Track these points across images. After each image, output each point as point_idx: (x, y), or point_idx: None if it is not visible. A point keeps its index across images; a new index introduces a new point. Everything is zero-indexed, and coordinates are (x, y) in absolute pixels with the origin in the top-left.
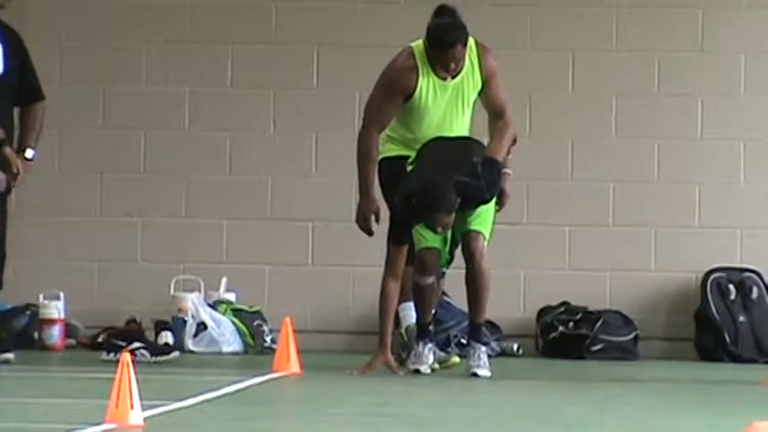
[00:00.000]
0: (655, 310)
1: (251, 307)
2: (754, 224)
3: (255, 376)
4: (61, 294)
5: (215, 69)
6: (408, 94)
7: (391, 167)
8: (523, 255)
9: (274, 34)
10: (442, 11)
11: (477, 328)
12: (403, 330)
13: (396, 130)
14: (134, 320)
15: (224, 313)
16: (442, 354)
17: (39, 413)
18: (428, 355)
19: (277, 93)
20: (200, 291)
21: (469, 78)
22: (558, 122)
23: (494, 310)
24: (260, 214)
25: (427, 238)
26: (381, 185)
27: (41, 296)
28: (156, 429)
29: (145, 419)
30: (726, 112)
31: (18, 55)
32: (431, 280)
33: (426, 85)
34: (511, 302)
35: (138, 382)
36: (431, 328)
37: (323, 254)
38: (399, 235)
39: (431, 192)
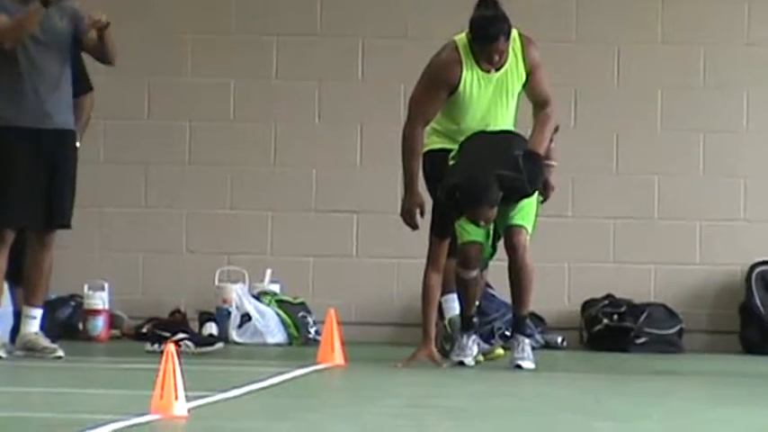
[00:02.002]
0: (699, 303)
1: (295, 298)
2: None
3: (300, 368)
4: (105, 285)
5: (260, 61)
6: (453, 88)
7: (435, 160)
8: (568, 247)
9: (319, 26)
10: (484, 3)
11: (521, 321)
12: (446, 322)
13: (440, 122)
14: (178, 311)
15: (268, 304)
16: (486, 345)
17: (83, 404)
18: (472, 347)
19: (322, 84)
20: (244, 282)
21: (513, 70)
22: (604, 115)
23: (538, 302)
24: (304, 206)
25: (470, 232)
26: (425, 178)
27: (86, 287)
28: (200, 420)
29: (189, 410)
30: None
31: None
32: (474, 273)
33: (470, 77)
34: (555, 295)
35: (182, 373)
36: (474, 320)
37: (367, 245)
38: (442, 228)
39: (473, 186)
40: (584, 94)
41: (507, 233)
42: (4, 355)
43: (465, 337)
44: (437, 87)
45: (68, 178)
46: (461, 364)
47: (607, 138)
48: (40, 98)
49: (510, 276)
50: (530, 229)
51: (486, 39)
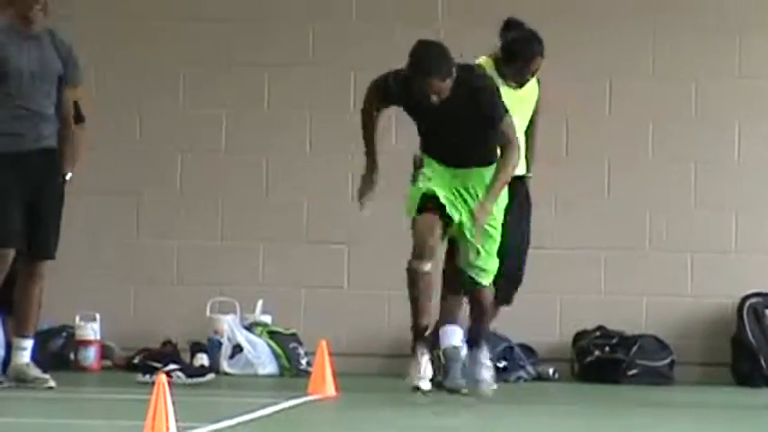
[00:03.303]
0: (691, 334)
1: (287, 329)
2: None
3: (291, 399)
4: (97, 315)
5: (252, 91)
6: None
7: None
8: (559, 279)
9: (311, 56)
10: (515, 25)
11: (478, 334)
12: (441, 352)
13: None
14: (170, 342)
15: (260, 335)
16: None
17: None
18: (426, 368)
19: (313, 114)
20: (235, 313)
21: (534, 91)
22: (595, 145)
23: (530, 334)
24: (296, 237)
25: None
26: None
27: (77, 317)
28: None
29: None
30: (763, 136)
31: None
32: (427, 267)
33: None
34: (547, 327)
35: (173, 403)
36: (428, 333)
37: (358, 277)
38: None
39: (425, 54)
40: (575, 123)
41: (470, 290)
42: (6, 384)
43: (418, 353)
44: None
45: (54, 204)
46: (417, 389)
47: (598, 168)
48: (24, 125)
49: (471, 312)
50: (490, 279)
51: (526, 57)
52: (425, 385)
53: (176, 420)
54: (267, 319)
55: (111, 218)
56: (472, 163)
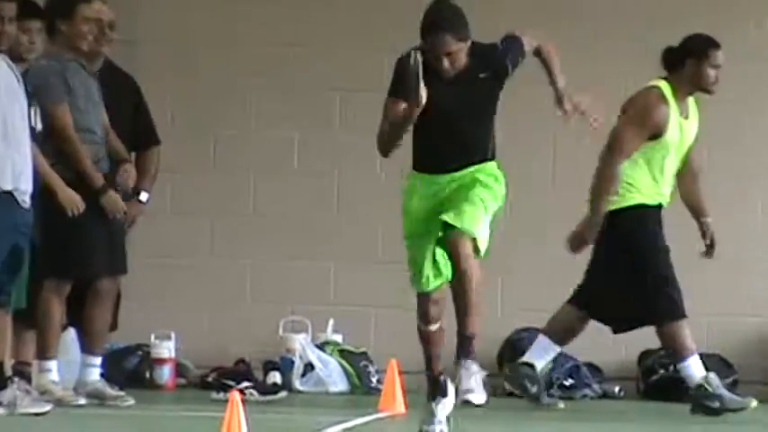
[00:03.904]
0: (755, 353)
1: (357, 348)
2: None
3: (362, 416)
4: (172, 334)
5: (323, 114)
6: (660, 132)
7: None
8: None
9: (384, 83)
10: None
11: (466, 342)
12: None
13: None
14: (243, 360)
15: (331, 354)
16: (549, 399)
17: None
18: (441, 418)
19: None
20: (307, 332)
21: (695, 118)
22: None
23: (596, 353)
24: (367, 257)
25: (429, 279)
26: (622, 237)
27: (153, 336)
28: None
29: None
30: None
31: (132, 101)
32: (435, 327)
33: (674, 123)
34: (613, 346)
35: (247, 421)
36: (442, 380)
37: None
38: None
39: (437, 9)
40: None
41: (447, 239)
42: (83, 401)
43: (433, 403)
44: (645, 128)
45: (119, 221)
46: None
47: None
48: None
49: (451, 287)
50: (478, 235)
51: (703, 48)
52: None
53: None
54: (338, 338)
55: (187, 239)
56: (468, 161)
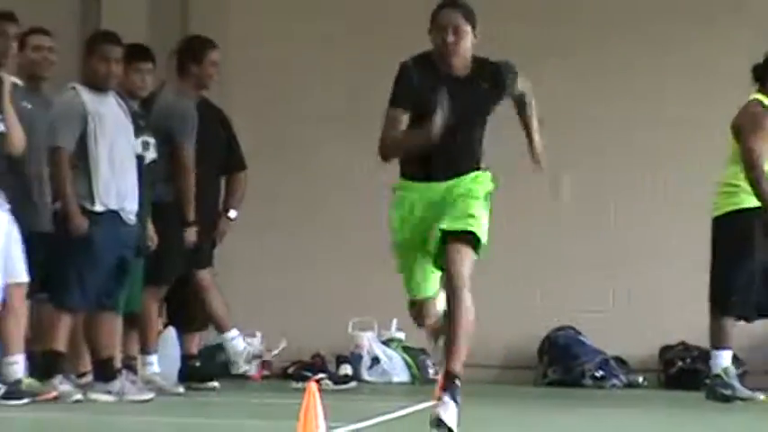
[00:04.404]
0: (761, 347)
1: (417, 344)
2: None
3: (420, 402)
4: (258, 333)
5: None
6: None
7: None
8: (649, 299)
9: None
10: None
11: (450, 379)
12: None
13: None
14: (318, 355)
15: (395, 349)
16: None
17: None
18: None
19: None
20: (374, 330)
21: None
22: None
23: (623, 348)
24: None
25: (419, 286)
26: (734, 239)
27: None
28: None
29: None
30: None
31: (225, 132)
32: (430, 321)
33: None
34: (637, 342)
35: (322, 406)
36: (457, 380)
37: (479, 297)
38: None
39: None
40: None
41: (446, 250)
42: (181, 390)
43: (446, 396)
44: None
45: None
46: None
47: (698, 196)
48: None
49: (446, 318)
50: (481, 237)
51: None
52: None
53: (325, 420)
54: (401, 335)
55: (271, 250)
56: (461, 169)
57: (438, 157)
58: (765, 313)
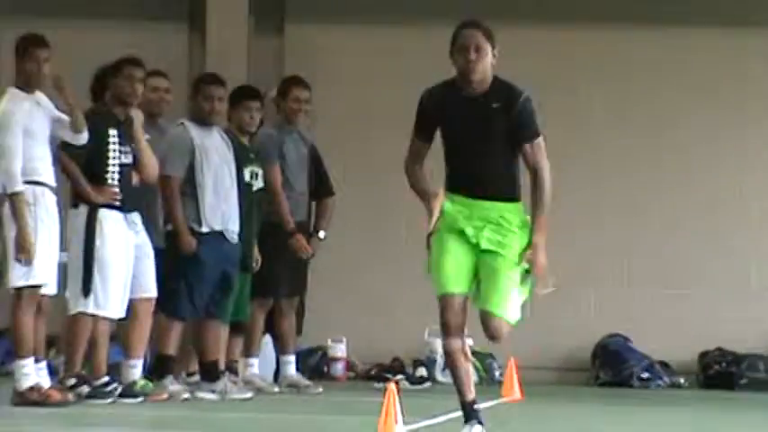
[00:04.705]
0: None
1: (484, 348)
2: None
3: (488, 401)
4: (344, 338)
5: None
6: None
7: None
8: (687, 310)
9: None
10: None
11: (467, 407)
12: None
13: None
14: (397, 358)
15: None
16: None
17: (328, 427)
18: None
19: None
20: None
21: None
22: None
23: (666, 353)
24: None
25: (449, 279)
26: None
27: (329, 340)
28: None
29: None
30: None
31: (315, 161)
32: (459, 343)
33: None
34: (679, 347)
35: (400, 404)
36: (476, 407)
37: (540, 306)
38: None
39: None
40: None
41: (485, 321)
42: (277, 389)
43: (474, 423)
44: None
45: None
46: None
47: (742, 213)
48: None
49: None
50: (510, 320)
51: None
52: None
53: (402, 416)
54: (470, 341)
55: (353, 263)
56: (495, 193)
57: (466, 174)
58: None
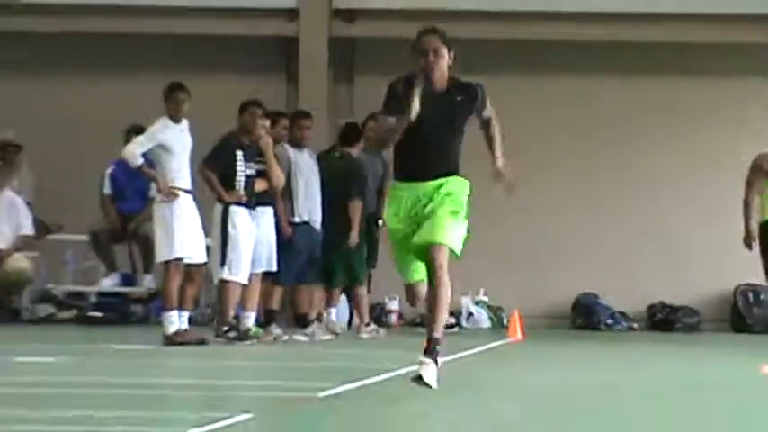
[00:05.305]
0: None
1: (495, 302)
2: None
3: (498, 340)
4: (397, 296)
5: None
6: None
7: None
8: (642, 277)
9: None
10: None
11: (432, 344)
12: None
13: None
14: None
15: (482, 307)
16: None
17: (389, 356)
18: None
19: None
20: (469, 295)
21: None
22: None
23: (624, 305)
24: (501, 255)
25: (416, 270)
26: None
27: (386, 297)
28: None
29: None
30: None
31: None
32: (422, 301)
33: None
34: (633, 302)
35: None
36: (438, 347)
37: (541, 269)
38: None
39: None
40: None
41: (428, 250)
42: (366, 336)
43: (428, 358)
44: None
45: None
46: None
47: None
48: None
49: (427, 297)
50: (455, 247)
51: None
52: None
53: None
54: (485, 298)
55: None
56: (439, 171)
57: (421, 160)
58: None
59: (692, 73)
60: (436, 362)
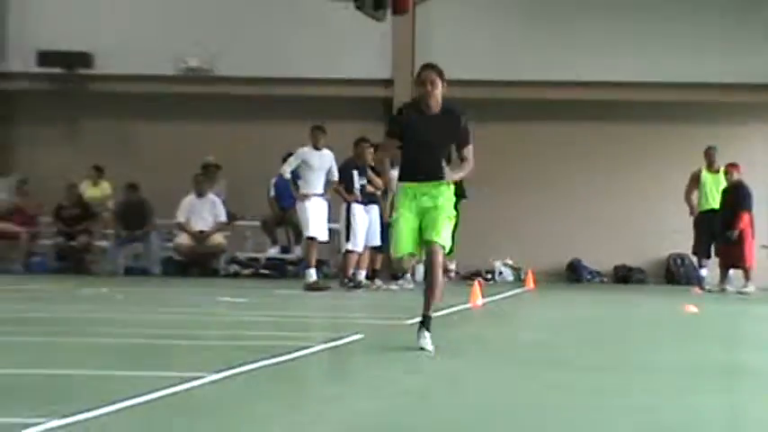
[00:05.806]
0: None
1: (517, 263)
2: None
3: (518, 289)
4: (455, 261)
5: None
6: None
7: None
8: (611, 246)
9: None
10: None
11: (427, 320)
12: None
13: None
14: (478, 270)
15: (508, 267)
16: None
17: (447, 301)
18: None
19: None
20: (499, 259)
21: None
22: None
23: (599, 266)
24: (516, 223)
25: (403, 243)
26: None
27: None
28: (488, 309)
29: (483, 304)
30: None
31: None
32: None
33: None
34: (605, 263)
35: (480, 290)
36: (430, 321)
37: (545, 237)
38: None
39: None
40: None
41: (427, 248)
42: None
43: (425, 332)
44: None
45: None
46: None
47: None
48: None
49: (425, 281)
50: (446, 245)
51: None
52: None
53: (481, 296)
54: (510, 261)
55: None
56: (433, 175)
57: (420, 167)
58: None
59: (639, 121)
60: (430, 330)
